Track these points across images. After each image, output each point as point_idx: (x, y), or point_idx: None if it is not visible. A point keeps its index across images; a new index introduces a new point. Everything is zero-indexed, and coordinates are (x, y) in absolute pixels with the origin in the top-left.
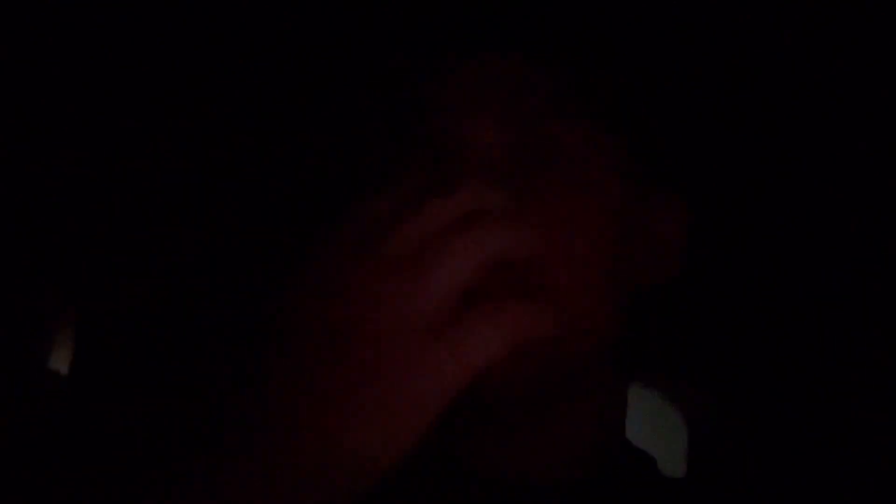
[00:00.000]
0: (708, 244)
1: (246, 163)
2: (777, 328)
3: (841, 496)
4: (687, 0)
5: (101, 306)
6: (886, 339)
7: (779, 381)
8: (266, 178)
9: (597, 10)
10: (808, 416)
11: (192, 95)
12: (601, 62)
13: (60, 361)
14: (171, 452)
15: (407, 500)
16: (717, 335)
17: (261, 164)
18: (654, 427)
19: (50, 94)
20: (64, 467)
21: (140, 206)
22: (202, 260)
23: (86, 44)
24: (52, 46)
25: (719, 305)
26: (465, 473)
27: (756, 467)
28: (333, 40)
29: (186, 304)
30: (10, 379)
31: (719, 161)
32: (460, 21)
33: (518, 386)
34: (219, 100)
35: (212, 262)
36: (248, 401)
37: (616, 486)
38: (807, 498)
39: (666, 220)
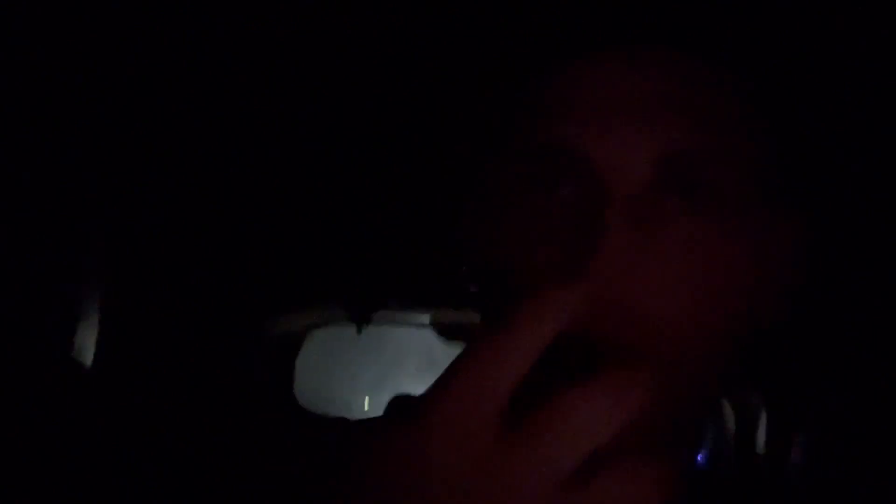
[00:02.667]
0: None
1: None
2: (833, 327)
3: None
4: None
5: (126, 297)
6: None
7: (832, 382)
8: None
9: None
10: (862, 415)
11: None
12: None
13: (85, 351)
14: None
15: None
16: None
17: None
18: None
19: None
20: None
21: (165, 199)
22: (225, 253)
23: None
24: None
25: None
26: None
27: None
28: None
29: (209, 296)
30: (34, 368)
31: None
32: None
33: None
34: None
35: (234, 254)
36: None
37: None
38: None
39: (784, 251)
